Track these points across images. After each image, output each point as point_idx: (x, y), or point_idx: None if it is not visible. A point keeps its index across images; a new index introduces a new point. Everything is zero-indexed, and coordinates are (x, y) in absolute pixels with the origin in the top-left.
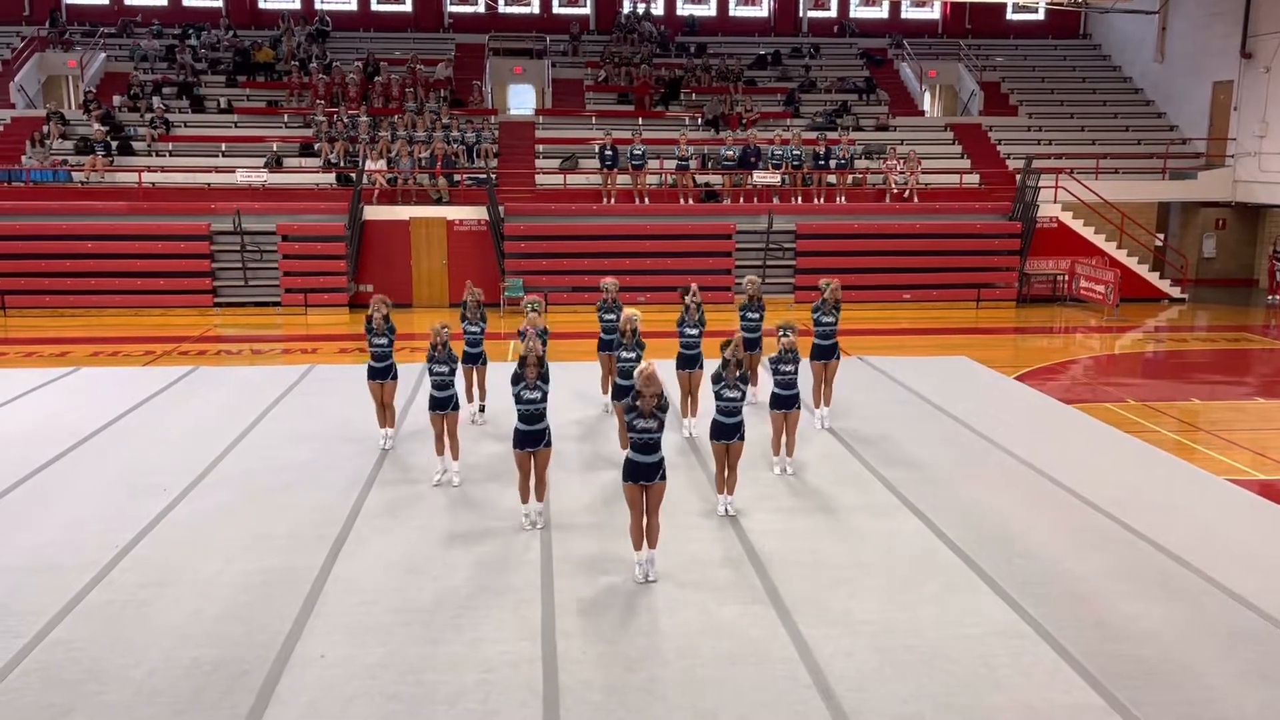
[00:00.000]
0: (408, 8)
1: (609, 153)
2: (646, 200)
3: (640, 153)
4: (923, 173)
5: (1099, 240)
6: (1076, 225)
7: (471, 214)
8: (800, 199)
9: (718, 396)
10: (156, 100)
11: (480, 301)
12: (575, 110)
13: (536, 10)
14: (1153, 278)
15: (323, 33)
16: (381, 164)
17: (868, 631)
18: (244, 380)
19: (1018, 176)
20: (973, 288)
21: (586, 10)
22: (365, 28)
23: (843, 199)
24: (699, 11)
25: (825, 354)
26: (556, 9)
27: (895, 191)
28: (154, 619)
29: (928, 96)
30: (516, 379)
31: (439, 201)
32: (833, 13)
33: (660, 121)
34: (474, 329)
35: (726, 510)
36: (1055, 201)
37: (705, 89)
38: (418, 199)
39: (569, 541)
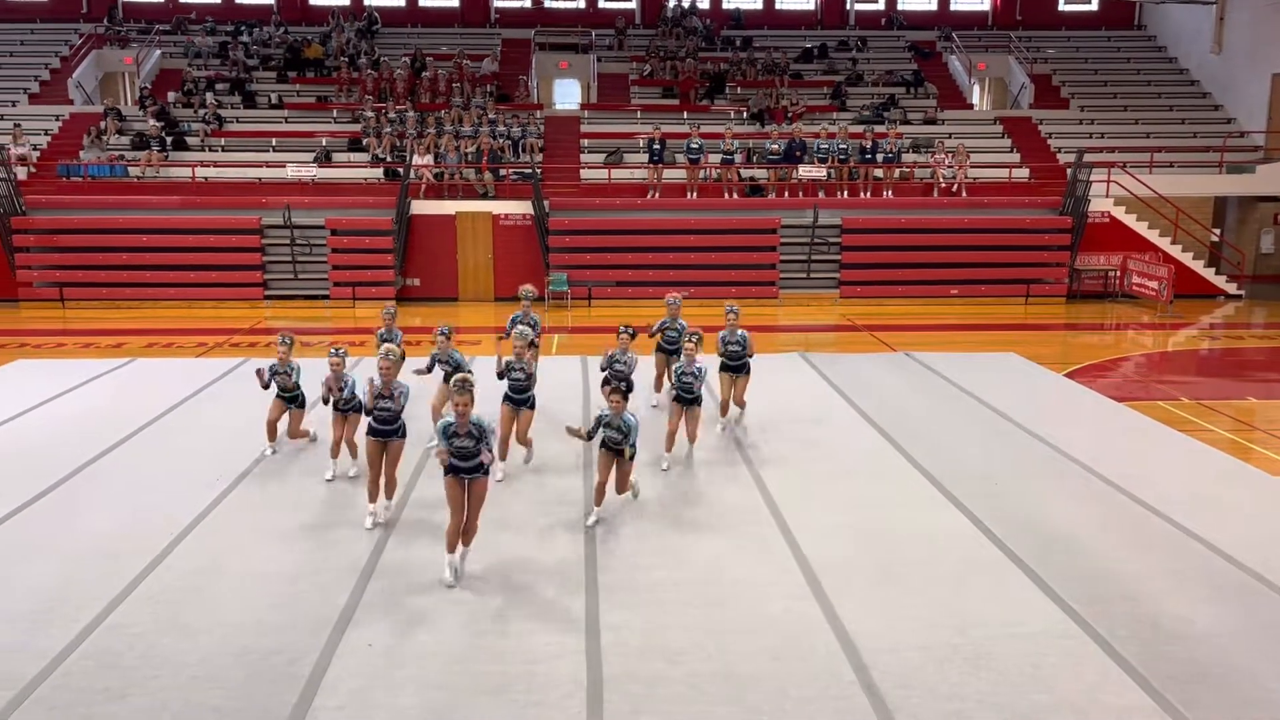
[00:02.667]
0: (454, 3)
1: (656, 147)
2: (695, 194)
3: (698, 146)
4: (971, 167)
5: (1152, 235)
6: (1129, 220)
7: (517, 208)
8: (846, 193)
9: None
10: (210, 96)
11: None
12: (620, 104)
13: (582, 5)
14: (1208, 274)
15: (371, 29)
16: (428, 159)
17: (913, 629)
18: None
19: (1069, 170)
20: (1022, 283)
21: (632, 4)
22: (413, 23)
23: (889, 193)
24: (745, 5)
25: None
26: (602, 4)
27: (943, 186)
28: (206, 606)
29: (977, 89)
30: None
31: (485, 196)
32: (880, 5)
33: (705, 115)
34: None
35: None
36: (1107, 196)
37: (750, 83)
38: (464, 194)
39: (613, 535)
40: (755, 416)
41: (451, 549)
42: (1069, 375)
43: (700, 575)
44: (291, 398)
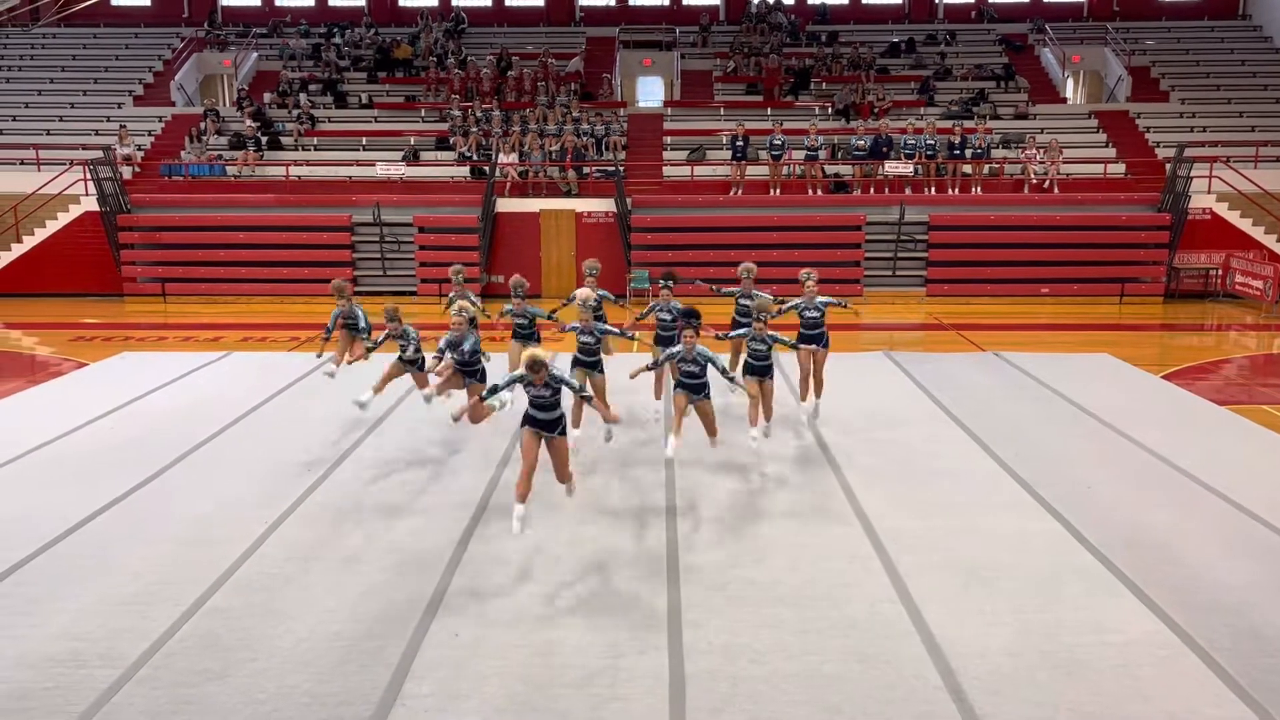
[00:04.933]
0: (540, 2)
1: (739, 143)
2: (778, 191)
3: (780, 143)
4: (1064, 162)
5: (1257, 233)
6: (1232, 217)
7: (600, 206)
8: (934, 189)
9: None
10: (303, 97)
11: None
12: (703, 101)
13: (666, 2)
14: None
15: (459, 29)
16: (513, 157)
17: (1002, 634)
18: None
19: (1168, 166)
20: (1116, 282)
21: (716, 0)
22: (499, 23)
23: (978, 189)
24: (831, 0)
25: (812, 341)
26: (686, 1)
27: (1034, 182)
28: (300, 593)
29: (1070, 83)
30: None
31: (568, 194)
32: None
33: (789, 112)
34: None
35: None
36: (1209, 192)
37: (836, 78)
38: (548, 191)
39: (696, 532)
40: (839, 416)
41: (521, 499)
42: (1166, 378)
43: (783, 574)
44: (353, 328)
